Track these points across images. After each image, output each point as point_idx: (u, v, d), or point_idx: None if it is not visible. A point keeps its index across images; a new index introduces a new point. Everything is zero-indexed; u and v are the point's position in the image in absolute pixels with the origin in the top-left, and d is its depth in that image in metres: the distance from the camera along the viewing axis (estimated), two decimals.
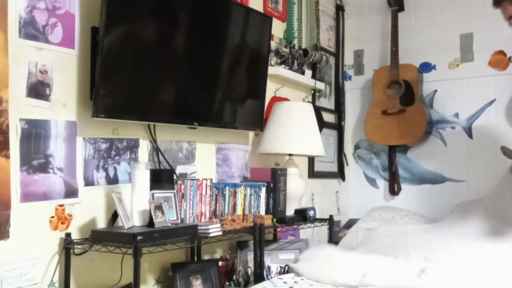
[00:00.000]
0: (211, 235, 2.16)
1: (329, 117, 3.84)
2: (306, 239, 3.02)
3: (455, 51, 3.69)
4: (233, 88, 2.67)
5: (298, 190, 2.89)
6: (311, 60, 3.47)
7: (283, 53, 3.22)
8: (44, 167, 1.93)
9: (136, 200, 2.06)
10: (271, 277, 2.58)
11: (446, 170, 3.71)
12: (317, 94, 3.70)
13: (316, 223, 2.89)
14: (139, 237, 1.83)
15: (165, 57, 2.27)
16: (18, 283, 1.83)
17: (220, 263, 2.56)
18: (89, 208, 2.09)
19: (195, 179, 2.38)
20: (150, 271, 2.35)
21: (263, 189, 2.62)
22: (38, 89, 1.93)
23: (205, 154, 2.68)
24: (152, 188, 2.13)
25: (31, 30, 1.90)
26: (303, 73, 3.37)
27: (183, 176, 2.52)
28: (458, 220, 2.95)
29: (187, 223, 2.28)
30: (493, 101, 3.56)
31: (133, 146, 2.28)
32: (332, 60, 3.92)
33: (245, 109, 2.76)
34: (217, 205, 2.53)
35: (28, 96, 1.89)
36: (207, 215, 2.41)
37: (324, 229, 3.62)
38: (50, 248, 1.95)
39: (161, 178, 2.24)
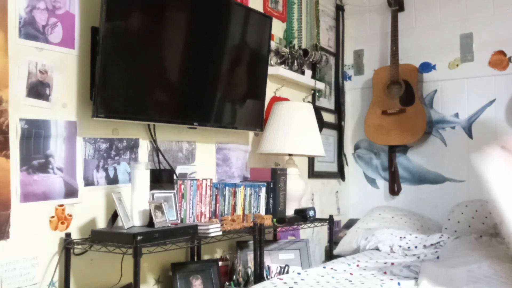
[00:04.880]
0: (211, 235, 2.16)
1: (329, 117, 3.84)
2: (306, 239, 3.02)
3: (455, 51, 3.70)
4: (233, 88, 2.67)
5: (298, 190, 2.89)
6: (311, 60, 3.47)
7: (283, 53, 3.23)
8: (44, 167, 1.93)
9: (136, 200, 2.06)
10: (271, 277, 2.57)
11: (446, 170, 3.71)
12: (317, 94, 3.70)
13: (316, 223, 2.89)
14: (139, 237, 1.83)
15: (165, 57, 2.27)
16: (18, 283, 1.83)
17: (220, 263, 2.56)
18: (89, 208, 2.09)
19: (195, 179, 2.38)
20: (150, 271, 2.35)
21: (263, 189, 2.62)
22: (38, 89, 1.93)
23: (205, 154, 2.68)
24: (152, 188, 2.13)
25: (31, 30, 1.90)
26: (303, 73, 3.37)
27: (183, 176, 2.52)
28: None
29: (187, 223, 2.29)
30: (493, 101, 3.56)
31: (133, 146, 2.28)
32: (332, 60, 3.92)
33: (245, 109, 2.76)
34: (217, 205, 2.53)
35: (28, 96, 1.89)
36: (207, 215, 2.41)
37: (324, 229, 3.62)
38: (50, 248, 1.95)
39: (161, 178, 2.24)
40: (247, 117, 2.77)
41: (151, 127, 2.36)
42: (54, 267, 1.95)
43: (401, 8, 3.83)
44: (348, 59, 4.13)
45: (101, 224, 2.13)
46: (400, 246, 3.02)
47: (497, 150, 2.17)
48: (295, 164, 2.95)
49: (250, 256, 2.62)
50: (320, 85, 3.64)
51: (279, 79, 3.21)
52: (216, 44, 2.55)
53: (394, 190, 3.87)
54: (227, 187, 2.57)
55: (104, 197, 2.15)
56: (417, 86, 3.64)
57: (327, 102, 3.86)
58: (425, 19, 3.83)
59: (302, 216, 2.79)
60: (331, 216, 2.98)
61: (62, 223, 1.99)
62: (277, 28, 3.26)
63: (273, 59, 3.14)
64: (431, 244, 2.96)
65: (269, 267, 2.69)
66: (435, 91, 3.76)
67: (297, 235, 3.35)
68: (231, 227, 2.35)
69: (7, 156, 1.81)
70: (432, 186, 3.76)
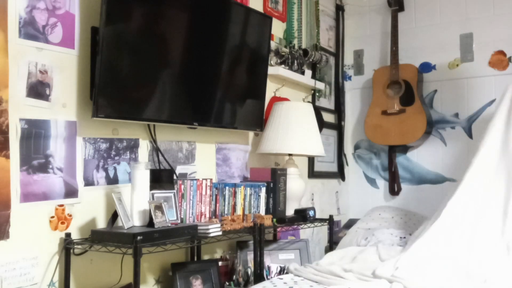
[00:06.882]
0: (211, 235, 2.16)
1: (329, 117, 3.84)
2: (306, 239, 3.02)
3: (455, 51, 3.69)
4: (233, 88, 2.67)
5: (298, 190, 2.89)
6: (311, 60, 3.47)
7: (283, 53, 3.22)
8: (44, 167, 1.93)
9: (136, 200, 2.06)
10: (271, 277, 2.58)
11: (446, 170, 3.71)
12: (317, 94, 3.70)
13: (316, 223, 2.89)
14: (139, 237, 1.83)
15: (165, 57, 2.27)
16: (18, 283, 1.83)
17: (220, 263, 2.56)
18: (89, 208, 2.09)
19: (195, 179, 2.38)
20: (150, 271, 2.35)
21: (263, 189, 2.62)
22: (38, 89, 1.93)
23: (205, 154, 2.68)
24: (152, 188, 2.13)
25: (31, 30, 1.90)
26: (303, 73, 3.37)
27: (183, 176, 2.52)
28: None
29: (187, 223, 2.29)
30: (493, 101, 3.56)
31: (133, 146, 2.28)
32: (332, 60, 3.92)
33: (245, 109, 2.76)
34: (217, 205, 2.53)
35: (28, 96, 1.89)
36: (207, 215, 2.41)
37: (324, 229, 3.62)
38: (50, 248, 1.95)
39: (161, 178, 2.24)
40: (247, 117, 2.77)
41: (151, 127, 2.36)
42: (54, 267, 1.95)
43: (401, 8, 3.83)
44: (348, 59, 4.12)
45: (101, 224, 2.13)
46: (400, 246, 3.02)
47: None
48: (295, 164, 2.95)
49: (250, 256, 2.62)
50: (320, 85, 3.64)
51: (279, 79, 3.21)
52: (216, 44, 2.55)
53: (394, 190, 3.87)
54: (227, 187, 2.57)
55: (104, 197, 2.15)
56: (417, 86, 3.64)
57: (327, 102, 3.86)
58: (425, 19, 3.83)
59: (302, 216, 2.79)
60: (331, 216, 2.98)
61: (62, 223, 1.99)
62: (277, 28, 3.26)
63: (273, 59, 3.14)
64: None
65: (269, 267, 2.69)
66: (435, 91, 3.76)
67: (297, 235, 3.35)
68: (231, 227, 2.35)
69: (7, 156, 1.81)
70: (432, 186, 3.75)
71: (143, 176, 2.09)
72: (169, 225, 2.05)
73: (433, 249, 2.49)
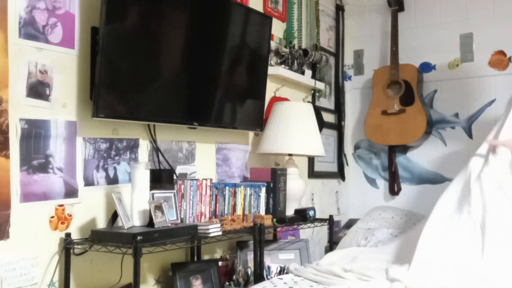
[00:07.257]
0: (211, 235, 2.17)
1: (329, 117, 3.84)
2: (306, 239, 3.02)
3: (455, 51, 3.69)
4: (233, 88, 2.67)
5: (298, 190, 2.89)
6: (311, 60, 3.47)
7: (283, 53, 3.22)
8: (44, 167, 1.93)
9: (136, 200, 2.06)
10: (271, 277, 2.58)
11: (446, 170, 3.70)
12: (317, 94, 3.70)
13: (316, 223, 2.89)
14: (139, 237, 1.83)
15: (165, 57, 2.27)
16: (18, 283, 1.83)
17: (220, 263, 2.56)
18: (89, 208, 2.09)
19: (195, 179, 2.38)
20: (150, 271, 2.35)
21: (263, 189, 2.62)
22: (38, 89, 1.93)
23: (205, 154, 2.68)
24: (152, 188, 2.13)
25: (31, 30, 1.90)
26: (303, 73, 3.37)
27: (183, 176, 2.52)
28: None
29: (187, 223, 2.29)
30: (493, 101, 3.56)
31: (133, 146, 2.28)
32: (332, 60, 3.92)
33: (245, 109, 2.76)
34: (217, 205, 2.53)
35: (28, 96, 1.89)
36: (207, 215, 2.41)
37: (324, 229, 3.62)
38: (50, 248, 1.95)
39: (161, 178, 2.24)
40: (247, 117, 2.77)
41: (151, 127, 2.36)
42: (54, 267, 1.95)
43: (401, 8, 3.83)
44: (348, 59, 4.12)
45: (101, 224, 2.13)
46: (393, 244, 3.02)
47: None
48: (295, 164, 2.95)
49: (250, 256, 2.62)
50: (320, 85, 3.64)
51: (279, 79, 3.21)
52: (216, 44, 2.55)
53: (394, 190, 3.87)
54: (227, 187, 2.57)
55: (104, 197, 2.15)
56: (417, 86, 3.64)
57: (327, 102, 3.86)
58: (425, 19, 3.83)
59: (302, 216, 2.79)
60: (331, 216, 2.98)
61: (62, 223, 1.99)
62: (277, 28, 3.26)
63: (273, 59, 3.14)
64: None
65: (269, 267, 2.69)
66: (435, 91, 3.76)
67: (297, 235, 3.35)
68: (231, 227, 2.35)
69: (7, 156, 1.81)
70: (432, 186, 3.75)
71: (143, 176, 2.09)
72: (169, 225, 2.05)
73: (438, 251, 2.48)
